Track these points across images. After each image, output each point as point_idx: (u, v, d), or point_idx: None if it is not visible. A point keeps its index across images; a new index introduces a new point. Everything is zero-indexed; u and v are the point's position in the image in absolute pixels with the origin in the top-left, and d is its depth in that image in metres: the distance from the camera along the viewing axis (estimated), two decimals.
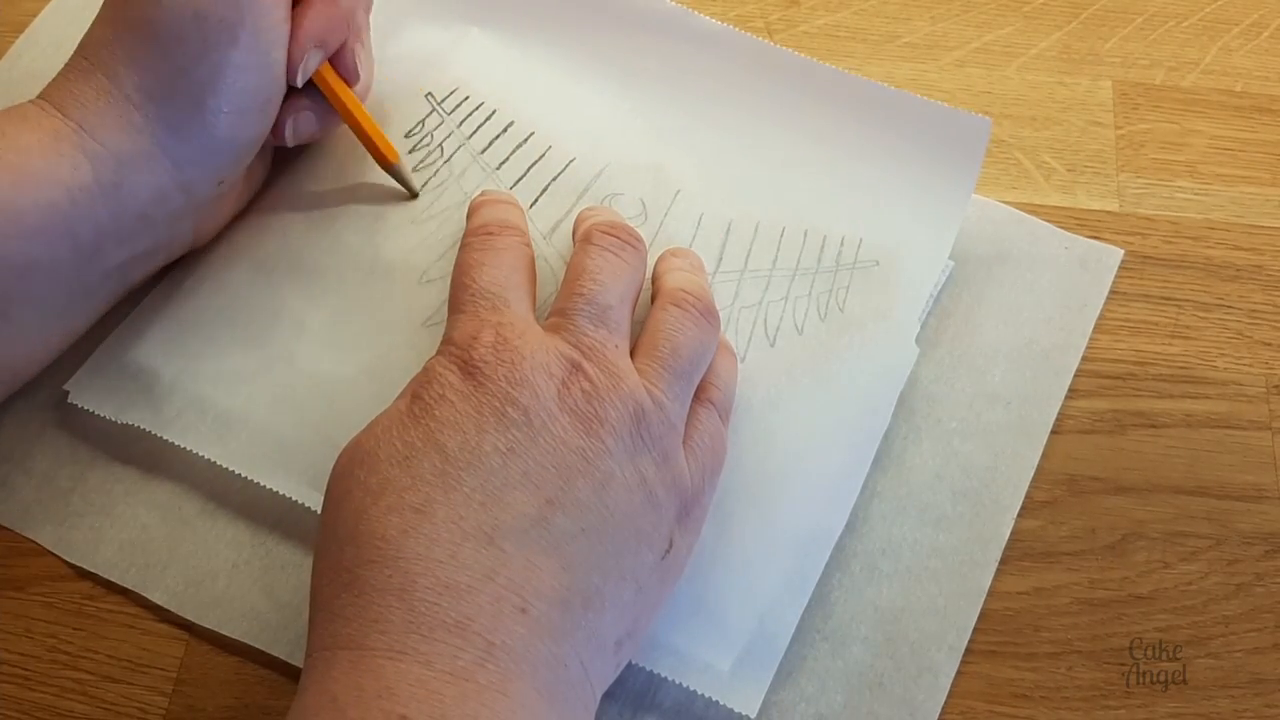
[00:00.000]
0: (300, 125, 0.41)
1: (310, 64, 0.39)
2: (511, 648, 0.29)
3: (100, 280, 0.38)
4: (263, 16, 0.37)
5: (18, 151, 0.36)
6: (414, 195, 0.43)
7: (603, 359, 0.32)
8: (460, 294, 0.34)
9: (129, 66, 0.37)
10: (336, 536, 0.30)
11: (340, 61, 0.41)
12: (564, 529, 0.30)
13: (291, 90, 0.40)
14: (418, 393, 0.32)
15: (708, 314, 0.36)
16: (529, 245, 0.37)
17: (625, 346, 0.34)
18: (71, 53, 0.38)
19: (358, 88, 0.42)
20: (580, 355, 0.32)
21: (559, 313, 0.34)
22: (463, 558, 0.29)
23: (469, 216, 0.38)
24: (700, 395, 0.35)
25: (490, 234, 0.36)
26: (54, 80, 0.38)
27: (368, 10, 0.42)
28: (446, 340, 0.33)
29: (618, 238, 0.36)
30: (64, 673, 0.37)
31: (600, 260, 0.35)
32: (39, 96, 0.38)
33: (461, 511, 0.30)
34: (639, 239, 0.36)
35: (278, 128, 0.40)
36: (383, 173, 0.43)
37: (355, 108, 0.41)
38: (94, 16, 0.38)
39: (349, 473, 0.31)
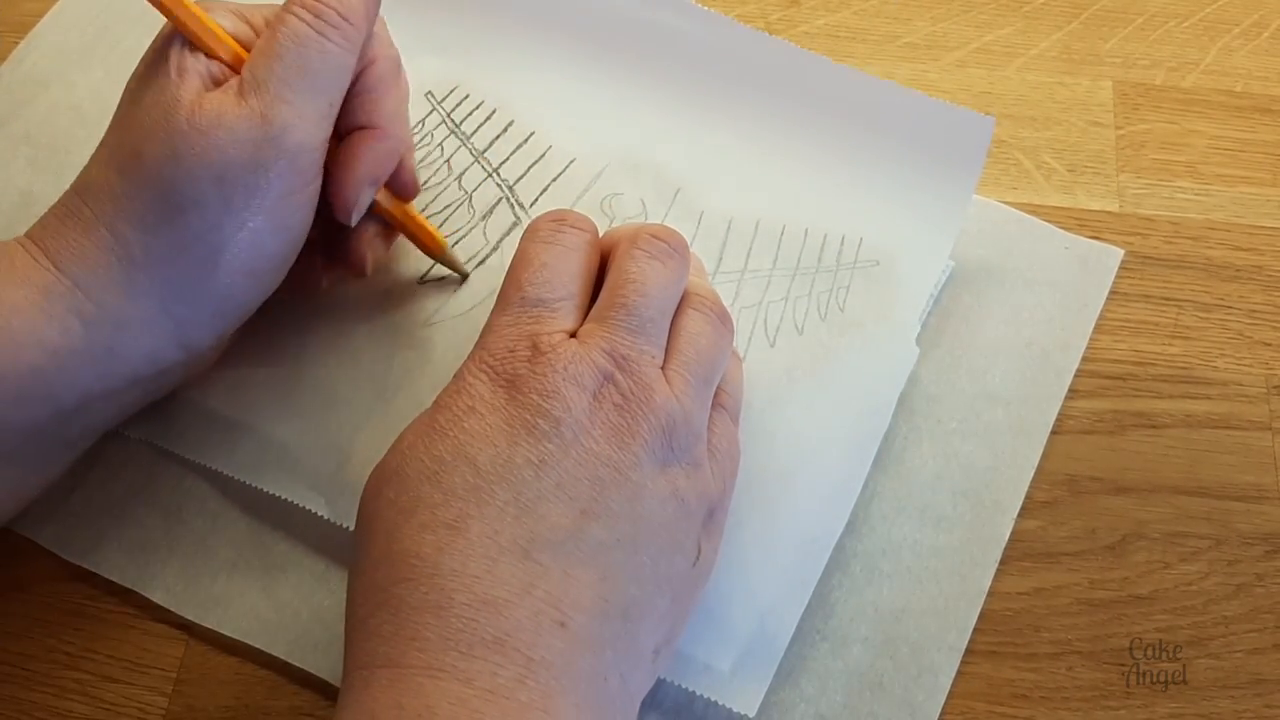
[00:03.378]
0: (376, 252, 0.39)
1: (364, 203, 0.37)
2: (551, 663, 0.28)
3: (80, 435, 0.36)
4: (290, 179, 0.34)
5: (2, 307, 0.33)
6: (465, 277, 0.41)
7: (636, 371, 0.32)
8: (511, 291, 0.33)
9: (136, 226, 0.33)
10: (370, 557, 0.30)
11: (398, 182, 0.38)
12: (600, 540, 0.30)
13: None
14: (445, 403, 0.31)
15: (724, 318, 0.35)
16: (597, 249, 0.35)
17: (660, 357, 0.33)
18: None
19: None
20: (614, 366, 0.31)
21: (598, 319, 0.33)
22: (499, 572, 0.29)
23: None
24: (714, 399, 0.35)
25: (562, 223, 0.34)
26: (47, 221, 0.35)
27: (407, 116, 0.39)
28: (482, 345, 0.32)
29: (666, 243, 0.34)
30: (64, 673, 0.37)
31: (647, 268, 0.33)
32: (28, 236, 0.35)
33: (496, 526, 0.29)
34: (685, 245, 0.35)
35: (360, 264, 0.39)
36: None
37: (404, 214, 0.39)
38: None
39: (378, 493, 0.31)
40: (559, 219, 0.35)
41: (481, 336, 0.33)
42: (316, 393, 0.39)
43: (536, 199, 0.42)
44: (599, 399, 0.31)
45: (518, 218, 0.42)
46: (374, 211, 0.38)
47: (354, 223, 0.37)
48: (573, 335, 0.32)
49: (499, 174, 0.43)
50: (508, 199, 0.42)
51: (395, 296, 0.41)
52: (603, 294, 0.34)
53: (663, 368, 0.33)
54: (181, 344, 0.35)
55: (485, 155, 0.44)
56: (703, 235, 0.42)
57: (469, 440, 0.30)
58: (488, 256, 0.41)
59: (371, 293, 0.41)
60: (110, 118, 0.46)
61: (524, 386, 0.31)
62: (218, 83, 0.34)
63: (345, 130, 0.36)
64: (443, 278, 0.41)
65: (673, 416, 0.32)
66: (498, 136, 0.44)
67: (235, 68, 0.35)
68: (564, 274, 0.33)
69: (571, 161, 0.43)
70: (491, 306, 0.40)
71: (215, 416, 0.39)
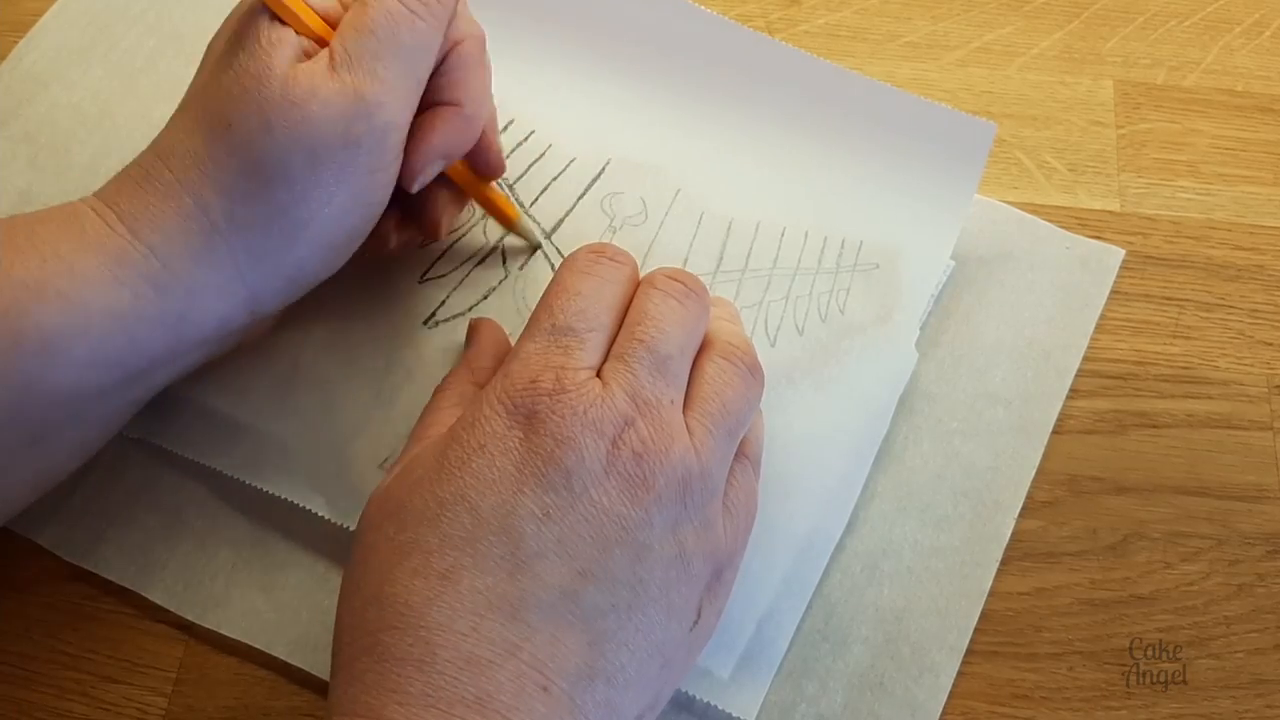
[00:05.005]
0: (450, 218, 0.39)
1: (428, 176, 0.36)
2: None
3: (144, 393, 0.36)
4: (377, 156, 0.34)
5: (73, 278, 0.32)
6: (536, 248, 0.41)
7: (657, 417, 0.31)
8: (543, 317, 0.32)
9: (221, 194, 0.33)
10: (361, 593, 0.30)
11: (481, 159, 0.38)
12: (594, 603, 0.29)
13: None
14: (458, 436, 0.30)
15: (755, 370, 0.34)
16: (635, 284, 0.34)
17: (680, 400, 0.32)
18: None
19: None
20: (635, 411, 0.30)
21: (617, 358, 0.32)
22: (485, 630, 0.28)
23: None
24: (737, 450, 0.34)
25: (603, 255, 0.34)
26: (121, 184, 0.34)
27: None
28: (505, 372, 0.31)
29: (683, 284, 0.34)
30: (63, 673, 0.37)
31: (663, 306, 0.33)
32: (99, 197, 0.34)
33: (488, 580, 0.28)
34: (703, 289, 0.34)
35: (433, 228, 0.39)
36: None
37: (476, 185, 0.39)
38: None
39: (378, 526, 0.30)
40: (599, 250, 0.34)
41: (506, 363, 0.32)
42: (316, 393, 0.39)
43: (536, 198, 0.42)
44: (617, 446, 0.30)
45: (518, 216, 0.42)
46: (447, 178, 0.38)
47: (414, 190, 0.36)
48: (598, 372, 0.32)
49: None
50: (507, 198, 0.42)
51: (395, 296, 0.41)
52: (621, 332, 0.33)
53: (685, 416, 0.32)
54: (251, 309, 0.35)
55: None
56: (703, 235, 0.42)
57: (474, 484, 0.29)
58: (487, 255, 0.41)
59: (371, 293, 0.41)
60: (109, 117, 0.46)
61: (540, 427, 0.30)
62: (306, 55, 0.34)
63: (426, 106, 0.36)
64: (443, 276, 0.41)
65: (689, 470, 0.30)
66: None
67: (321, 43, 0.34)
68: (598, 304, 0.33)
69: (571, 161, 0.43)
70: (489, 305, 0.40)
71: (215, 416, 0.39)
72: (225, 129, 0.33)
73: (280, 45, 0.33)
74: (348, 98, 0.33)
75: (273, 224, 0.33)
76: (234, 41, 0.34)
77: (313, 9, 0.34)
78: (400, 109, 0.34)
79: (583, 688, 0.28)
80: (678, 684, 0.32)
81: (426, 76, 0.35)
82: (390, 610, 0.28)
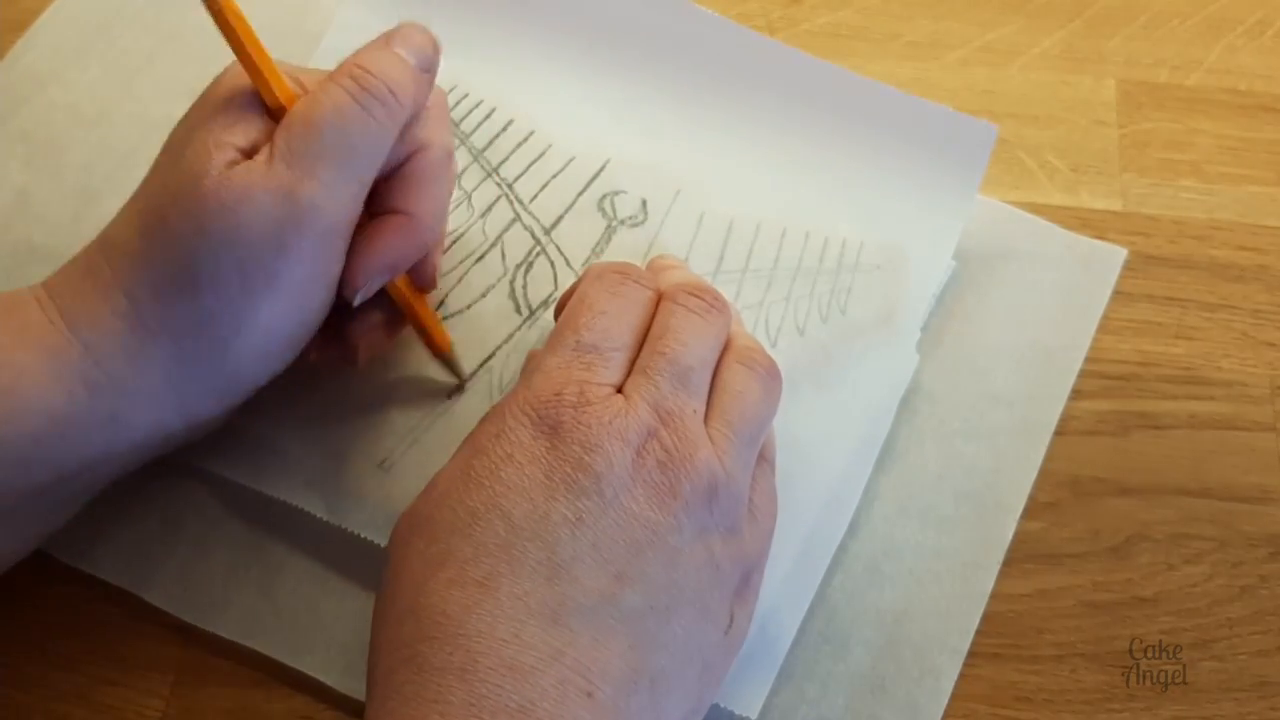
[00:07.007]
0: (374, 344, 0.37)
1: (371, 289, 0.35)
2: None
3: (82, 492, 0.35)
4: (312, 264, 0.33)
5: (11, 372, 0.31)
6: (461, 381, 0.39)
7: (680, 426, 0.31)
8: (566, 333, 0.32)
9: (154, 295, 0.32)
10: (395, 608, 0.29)
11: (419, 272, 0.37)
12: (633, 606, 0.29)
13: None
14: (483, 447, 0.30)
15: (774, 374, 0.34)
16: (655, 305, 0.34)
17: (702, 410, 0.32)
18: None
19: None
20: (658, 422, 0.30)
21: (640, 371, 0.32)
22: (526, 637, 0.28)
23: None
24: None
25: (625, 277, 0.34)
26: (70, 274, 0.33)
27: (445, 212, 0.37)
28: (527, 384, 0.31)
29: (703, 300, 0.33)
30: (60, 675, 0.37)
31: (685, 320, 0.33)
32: (47, 287, 0.33)
33: (526, 586, 0.28)
34: (724, 304, 0.34)
35: (351, 353, 0.36)
36: None
37: (416, 303, 0.37)
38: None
39: (407, 542, 0.30)
40: (624, 271, 0.34)
41: (528, 375, 0.32)
42: (314, 393, 0.39)
43: (535, 195, 0.42)
44: (642, 455, 0.30)
45: (516, 214, 0.42)
46: (385, 295, 0.36)
47: (355, 304, 0.35)
48: (619, 389, 0.31)
49: (498, 173, 0.43)
50: (506, 196, 0.42)
51: None
52: (645, 347, 0.33)
53: (706, 424, 0.32)
54: (185, 416, 0.34)
55: (484, 155, 0.43)
56: (703, 235, 0.41)
57: (504, 492, 0.29)
58: (486, 253, 0.41)
59: None
60: (107, 116, 0.46)
61: (566, 437, 0.30)
62: (254, 149, 0.33)
63: (377, 211, 0.35)
64: (441, 275, 0.41)
65: (715, 478, 0.30)
66: (497, 135, 0.44)
67: (278, 116, 0.33)
68: (622, 325, 0.33)
69: (571, 160, 0.43)
70: (488, 303, 0.40)
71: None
72: (161, 227, 0.32)
73: (223, 146, 0.32)
74: (280, 201, 0.31)
75: (202, 330, 0.32)
76: (185, 134, 0.33)
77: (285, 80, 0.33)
78: (339, 213, 0.33)
79: (626, 692, 0.28)
80: (717, 690, 0.32)
81: (372, 179, 0.34)
82: (427, 620, 0.28)
